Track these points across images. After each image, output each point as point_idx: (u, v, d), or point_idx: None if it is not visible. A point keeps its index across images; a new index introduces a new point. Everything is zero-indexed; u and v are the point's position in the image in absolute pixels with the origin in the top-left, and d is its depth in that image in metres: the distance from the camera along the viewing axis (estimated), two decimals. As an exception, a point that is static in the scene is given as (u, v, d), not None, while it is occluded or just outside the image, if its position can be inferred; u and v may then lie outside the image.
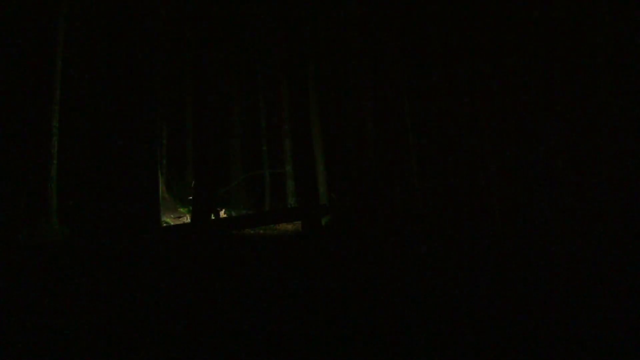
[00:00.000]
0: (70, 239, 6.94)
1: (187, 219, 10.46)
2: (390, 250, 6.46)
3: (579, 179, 5.58)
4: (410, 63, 7.87)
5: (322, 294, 4.17)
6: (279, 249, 7.16)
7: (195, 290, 4.44)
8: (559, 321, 3.22)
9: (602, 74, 5.44)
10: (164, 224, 8.84)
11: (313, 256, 6.39)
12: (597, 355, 2.69)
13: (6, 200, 6.75)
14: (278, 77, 13.70)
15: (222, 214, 10.76)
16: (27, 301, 4.00)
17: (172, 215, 11.16)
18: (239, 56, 15.13)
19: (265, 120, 15.47)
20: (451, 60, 7.15)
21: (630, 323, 3.12)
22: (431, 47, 7.51)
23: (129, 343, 2.99)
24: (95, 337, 3.08)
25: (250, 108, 16.47)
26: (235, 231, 8.33)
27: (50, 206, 7.26)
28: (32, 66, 7.21)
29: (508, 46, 6.34)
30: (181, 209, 12.28)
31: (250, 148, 16.43)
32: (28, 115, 7.18)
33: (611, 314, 3.30)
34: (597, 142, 5.44)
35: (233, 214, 11.92)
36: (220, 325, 3.32)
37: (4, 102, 7.01)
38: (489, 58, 6.52)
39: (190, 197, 9.62)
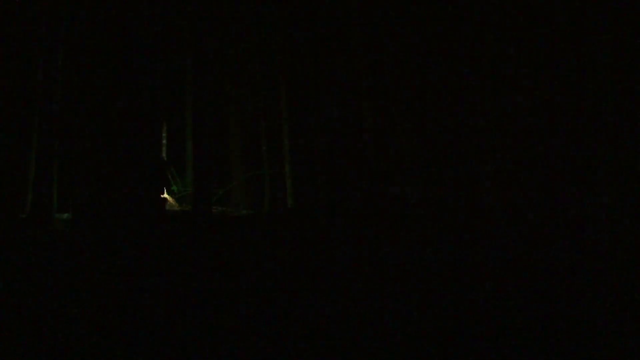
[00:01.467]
0: (71, 231, 6.97)
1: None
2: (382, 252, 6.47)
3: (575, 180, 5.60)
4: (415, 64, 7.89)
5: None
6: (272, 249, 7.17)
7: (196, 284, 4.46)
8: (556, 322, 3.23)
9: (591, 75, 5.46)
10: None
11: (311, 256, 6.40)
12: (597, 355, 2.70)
13: (7, 194, 6.77)
14: (278, 77, 13.74)
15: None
16: (29, 294, 4.01)
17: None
18: (238, 56, 15.15)
19: (265, 120, 15.51)
20: (447, 57, 7.16)
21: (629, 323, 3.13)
22: (428, 47, 7.53)
23: (131, 336, 3.00)
24: (95, 331, 3.09)
25: (250, 108, 16.48)
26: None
27: (51, 202, 7.29)
28: (31, 65, 7.22)
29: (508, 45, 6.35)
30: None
31: (250, 148, 16.44)
32: (28, 114, 7.20)
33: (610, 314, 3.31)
34: (594, 143, 5.45)
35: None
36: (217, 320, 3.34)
37: (6, 100, 7.03)
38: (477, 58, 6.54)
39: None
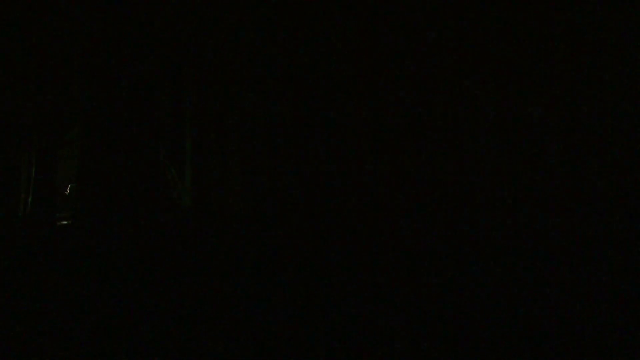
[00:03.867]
0: (71, 231, 6.99)
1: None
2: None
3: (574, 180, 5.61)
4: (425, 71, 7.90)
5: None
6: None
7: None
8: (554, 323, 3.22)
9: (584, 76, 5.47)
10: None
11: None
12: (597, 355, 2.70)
13: (7, 194, 6.79)
14: (277, 77, 13.78)
15: None
16: (28, 294, 4.01)
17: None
18: (237, 56, 15.19)
19: (265, 119, 15.54)
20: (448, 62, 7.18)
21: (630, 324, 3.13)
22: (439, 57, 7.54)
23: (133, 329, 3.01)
24: (96, 329, 3.10)
25: (249, 108, 16.54)
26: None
27: (51, 202, 7.33)
28: (32, 66, 7.24)
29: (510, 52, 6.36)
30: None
31: (249, 148, 16.49)
32: (29, 115, 7.22)
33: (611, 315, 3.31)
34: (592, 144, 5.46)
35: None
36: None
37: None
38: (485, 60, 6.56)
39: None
